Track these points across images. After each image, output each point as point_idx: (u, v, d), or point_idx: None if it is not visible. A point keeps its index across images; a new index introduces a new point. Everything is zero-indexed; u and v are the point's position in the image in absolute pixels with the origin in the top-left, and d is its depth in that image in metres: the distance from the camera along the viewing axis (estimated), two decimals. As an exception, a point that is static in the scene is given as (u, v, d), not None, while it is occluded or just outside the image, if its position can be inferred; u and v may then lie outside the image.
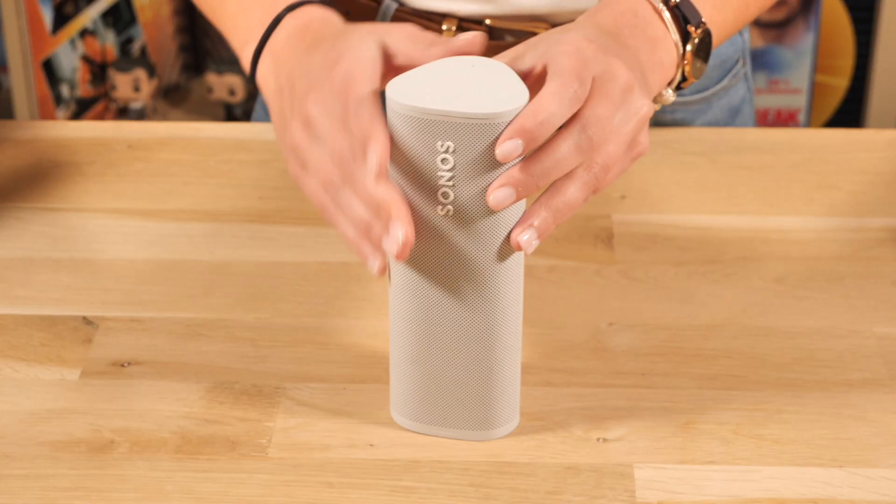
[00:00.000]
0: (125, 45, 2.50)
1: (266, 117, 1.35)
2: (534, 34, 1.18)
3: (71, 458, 0.93)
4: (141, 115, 2.48)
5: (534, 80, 0.88)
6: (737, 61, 1.30)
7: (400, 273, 0.90)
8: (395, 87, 0.85)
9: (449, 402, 0.92)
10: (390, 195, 0.85)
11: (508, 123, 0.84)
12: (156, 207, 1.18)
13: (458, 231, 0.87)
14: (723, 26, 1.02)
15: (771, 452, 0.93)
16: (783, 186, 1.20)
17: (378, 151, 0.84)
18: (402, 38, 0.90)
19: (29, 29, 2.27)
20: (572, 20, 1.19)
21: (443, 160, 0.85)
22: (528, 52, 0.89)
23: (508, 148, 0.84)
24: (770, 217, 1.16)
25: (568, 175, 0.87)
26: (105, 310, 1.06)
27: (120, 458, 0.93)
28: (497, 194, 0.85)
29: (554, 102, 0.84)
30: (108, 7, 2.45)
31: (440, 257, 0.88)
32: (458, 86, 0.85)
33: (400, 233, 0.84)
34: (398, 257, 0.85)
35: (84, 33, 2.41)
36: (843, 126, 2.35)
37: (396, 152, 0.86)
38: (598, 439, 0.94)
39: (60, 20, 2.35)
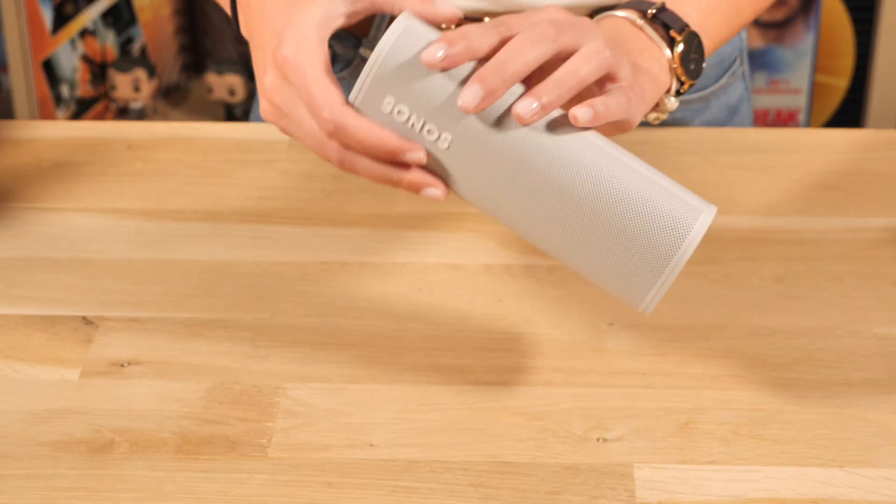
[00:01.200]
0: (125, 45, 2.50)
1: (266, 117, 1.35)
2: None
3: (71, 458, 0.93)
4: (141, 115, 2.48)
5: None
6: (734, 60, 1.30)
7: (508, 199, 0.87)
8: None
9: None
10: (381, 136, 0.85)
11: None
12: (156, 207, 1.18)
13: (469, 150, 0.85)
14: (714, 31, 1.03)
15: (771, 452, 0.93)
16: (783, 186, 1.20)
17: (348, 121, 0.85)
18: None
19: (29, 29, 2.27)
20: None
21: (398, 112, 0.85)
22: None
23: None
24: (770, 217, 1.16)
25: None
26: (105, 310, 1.06)
27: (120, 458, 0.93)
28: (520, 107, 0.83)
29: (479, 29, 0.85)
30: (108, 7, 2.45)
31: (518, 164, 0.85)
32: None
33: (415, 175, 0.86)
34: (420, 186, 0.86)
35: (84, 33, 2.41)
36: (843, 126, 2.35)
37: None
38: (598, 439, 0.94)
39: (60, 20, 2.35)
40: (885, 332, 1.04)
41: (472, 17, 1.19)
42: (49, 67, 2.33)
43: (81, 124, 1.30)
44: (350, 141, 0.86)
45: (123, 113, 2.49)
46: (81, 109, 2.43)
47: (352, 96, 0.86)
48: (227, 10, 1.00)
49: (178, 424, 0.95)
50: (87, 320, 1.05)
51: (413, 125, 0.85)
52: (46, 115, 2.34)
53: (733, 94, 1.31)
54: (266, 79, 0.89)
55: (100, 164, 1.23)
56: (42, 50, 2.31)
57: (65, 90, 2.38)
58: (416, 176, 0.87)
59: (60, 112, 2.37)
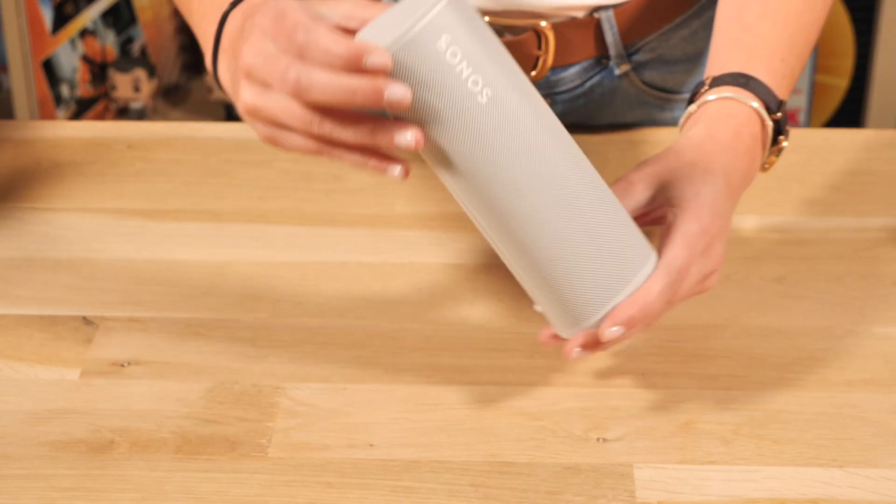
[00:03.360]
0: (125, 45, 2.50)
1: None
2: (531, 30, 1.18)
3: (71, 458, 0.93)
4: (141, 115, 2.48)
5: (650, 219, 0.93)
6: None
7: (476, 189, 0.88)
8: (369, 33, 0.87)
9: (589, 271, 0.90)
10: (355, 47, 0.83)
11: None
12: (156, 207, 1.18)
13: (505, 111, 0.86)
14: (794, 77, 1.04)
15: (771, 452, 0.93)
16: (783, 186, 1.20)
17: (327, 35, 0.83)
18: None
19: (29, 29, 2.27)
20: (569, 18, 1.19)
21: (451, 54, 0.84)
22: (654, 191, 0.93)
23: (613, 334, 0.88)
24: (770, 217, 1.16)
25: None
26: (105, 310, 1.06)
27: (120, 458, 0.93)
28: (610, 333, 0.89)
29: (660, 302, 0.89)
30: (108, 7, 2.45)
31: (502, 148, 0.87)
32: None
33: (409, 133, 0.84)
34: (417, 144, 0.84)
35: (84, 33, 2.41)
36: (843, 126, 2.35)
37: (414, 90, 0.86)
38: (598, 439, 0.94)
39: (60, 20, 2.35)
40: (885, 332, 1.04)
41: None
42: (49, 67, 2.33)
43: (81, 124, 1.30)
44: (314, 51, 0.83)
45: (123, 113, 2.49)
46: (81, 109, 2.43)
47: (406, 28, 0.84)
48: (208, 54, 0.96)
49: (178, 424, 0.95)
50: (87, 320, 1.05)
51: (462, 70, 0.85)
52: (46, 115, 2.34)
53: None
54: (244, 48, 0.86)
55: (100, 164, 1.23)
56: (42, 50, 2.31)
57: (65, 90, 2.38)
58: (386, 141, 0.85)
59: (60, 112, 2.37)
